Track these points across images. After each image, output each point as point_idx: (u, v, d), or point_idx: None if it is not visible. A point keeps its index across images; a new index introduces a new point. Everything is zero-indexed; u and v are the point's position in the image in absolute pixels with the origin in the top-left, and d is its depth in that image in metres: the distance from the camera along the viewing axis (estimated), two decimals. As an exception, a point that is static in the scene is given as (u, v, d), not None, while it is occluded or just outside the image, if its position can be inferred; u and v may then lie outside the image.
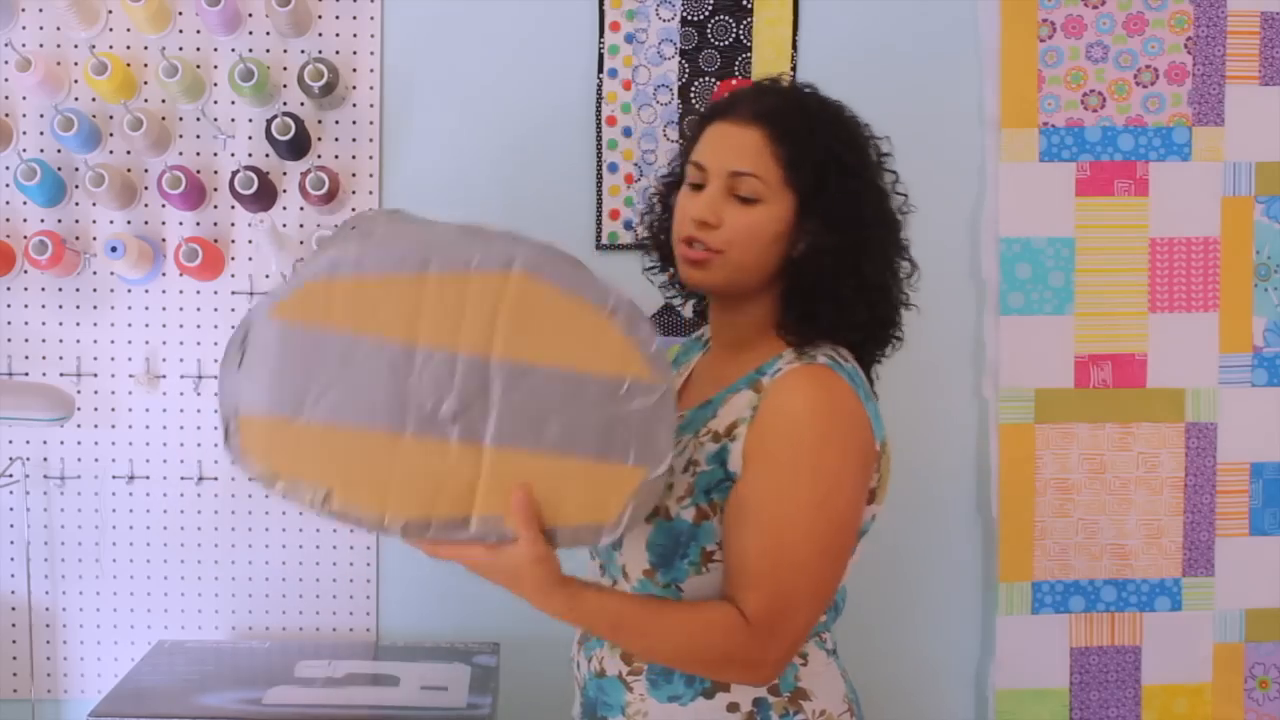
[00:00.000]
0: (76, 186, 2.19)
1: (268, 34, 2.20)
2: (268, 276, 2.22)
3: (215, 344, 2.23)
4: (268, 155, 2.20)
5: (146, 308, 2.22)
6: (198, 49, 2.20)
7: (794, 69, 2.26)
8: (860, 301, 1.49)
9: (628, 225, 2.26)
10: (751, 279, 1.49)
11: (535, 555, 1.35)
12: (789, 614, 1.41)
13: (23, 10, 2.18)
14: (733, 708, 1.48)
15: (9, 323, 2.22)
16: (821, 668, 1.53)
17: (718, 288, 1.51)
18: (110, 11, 2.18)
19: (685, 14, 2.26)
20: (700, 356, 1.67)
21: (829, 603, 1.47)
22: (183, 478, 2.24)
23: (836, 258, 1.46)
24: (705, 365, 1.63)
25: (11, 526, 2.23)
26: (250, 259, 2.22)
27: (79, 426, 2.23)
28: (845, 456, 1.43)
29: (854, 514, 1.45)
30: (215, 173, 2.21)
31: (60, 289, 2.22)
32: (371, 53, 2.22)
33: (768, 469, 1.41)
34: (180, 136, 2.21)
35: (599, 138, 2.27)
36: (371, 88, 2.23)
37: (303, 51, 2.20)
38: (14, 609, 2.25)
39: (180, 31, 2.20)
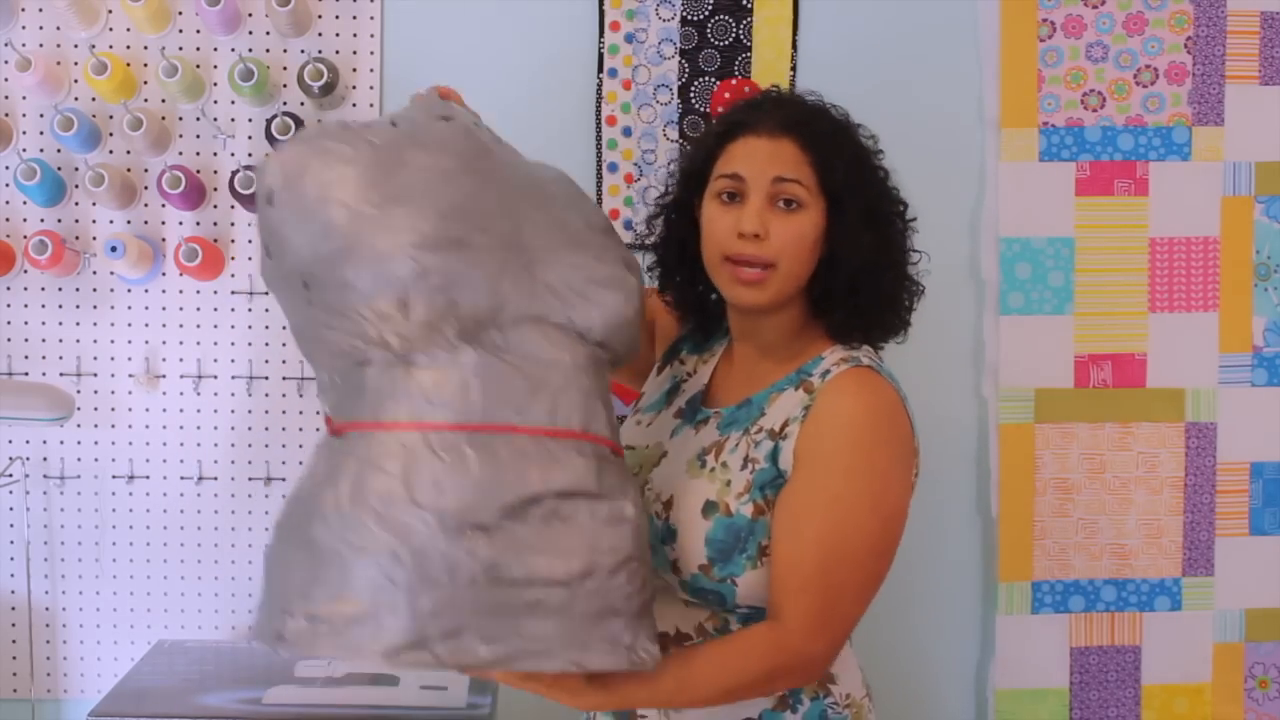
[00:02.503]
0: (76, 186, 2.19)
1: (268, 34, 2.20)
2: (268, 276, 2.22)
3: (215, 344, 2.23)
4: (267, 155, 2.20)
5: (146, 308, 2.22)
6: (198, 49, 2.20)
7: (794, 69, 2.26)
8: (899, 291, 1.57)
9: (628, 225, 2.26)
10: (795, 288, 1.53)
11: (549, 686, 1.39)
12: (839, 610, 1.46)
13: (23, 10, 2.18)
14: None
15: (9, 323, 2.22)
16: (845, 654, 1.58)
17: (769, 304, 1.53)
18: (110, 11, 2.18)
19: (685, 14, 2.26)
20: (721, 357, 1.67)
21: (873, 598, 1.52)
22: (183, 478, 2.24)
23: (875, 252, 1.52)
24: (732, 368, 1.63)
25: (11, 526, 2.23)
26: (250, 259, 2.22)
27: (79, 426, 2.23)
28: (894, 457, 1.48)
29: (903, 511, 1.50)
30: (215, 173, 2.21)
31: (60, 289, 2.22)
32: (371, 53, 2.22)
33: (825, 471, 1.44)
34: (180, 136, 2.21)
35: (599, 138, 2.27)
36: (371, 88, 2.23)
37: (303, 51, 2.20)
38: (14, 609, 2.25)
39: (180, 31, 2.20)
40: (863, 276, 1.52)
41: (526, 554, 1.29)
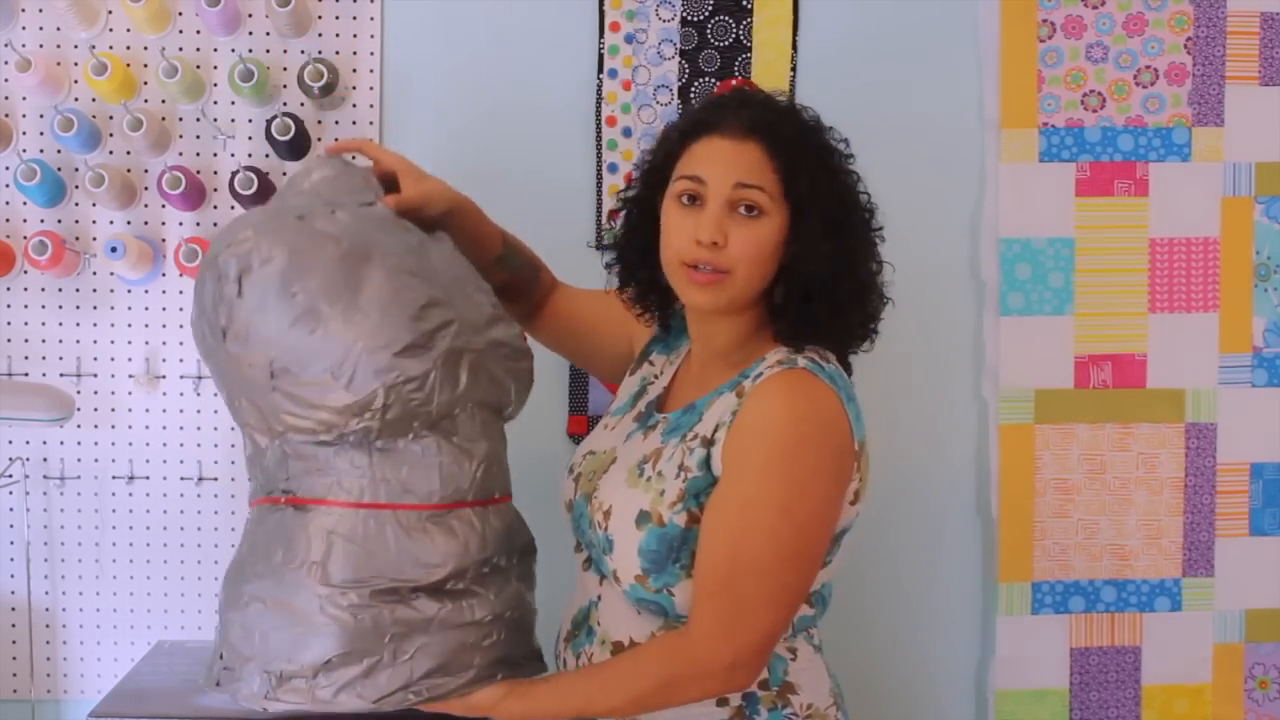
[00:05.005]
0: (76, 187, 2.19)
1: (268, 34, 2.20)
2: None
3: (215, 344, 2.23)
4: (268, 155, 2.20)
5: (146, 308, 2.22)
6: (198, 49, 2.20)
7: (794, 69, 2.26)
8: (855, 302, 1.51)
9: (628, 225, 2.26)
10: (752, 294, 1.51)
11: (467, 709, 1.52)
12: (745, 618, 1.42)
13: (23, 10, 2.18)
14: (722, 702, 1.49)
15: (9, 323, 2.22)
16: (808, 663, 1.55)
17: (723, 308, 1.51)
18: (110, 11, 2.18)
19: (685, 14, 2.26)
20: (684, 358, 1.67)
21: (794, 608, 1.48)
22: (183, 478, 2.24)
23: (833, 262, 1.48)
24: (688, 370, 1.63)
25: (11, 527, 2.23)
26: (250, 259, 2.22)
27: (79, 426, 2.23)
28: (819, 461, 1.44)
29: (823, 519, 1.46)
30: (215, 173, 2.21)
31: (60, 289, 2.22)
32: (371, 53, 2.22)
33: (740, 474, 1.43)
34: (180, 137, 2.21)
35: (599, 138, 2.27)
36: (371, 88, 2.23)
37: (303, 51, 2.20)
38: (14, 609, 2.25)
39: (180, 32, 2.20)
40: (818, 286, 1.48)
41: (475, 601, 1.53)
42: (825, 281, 1.48)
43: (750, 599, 1.41)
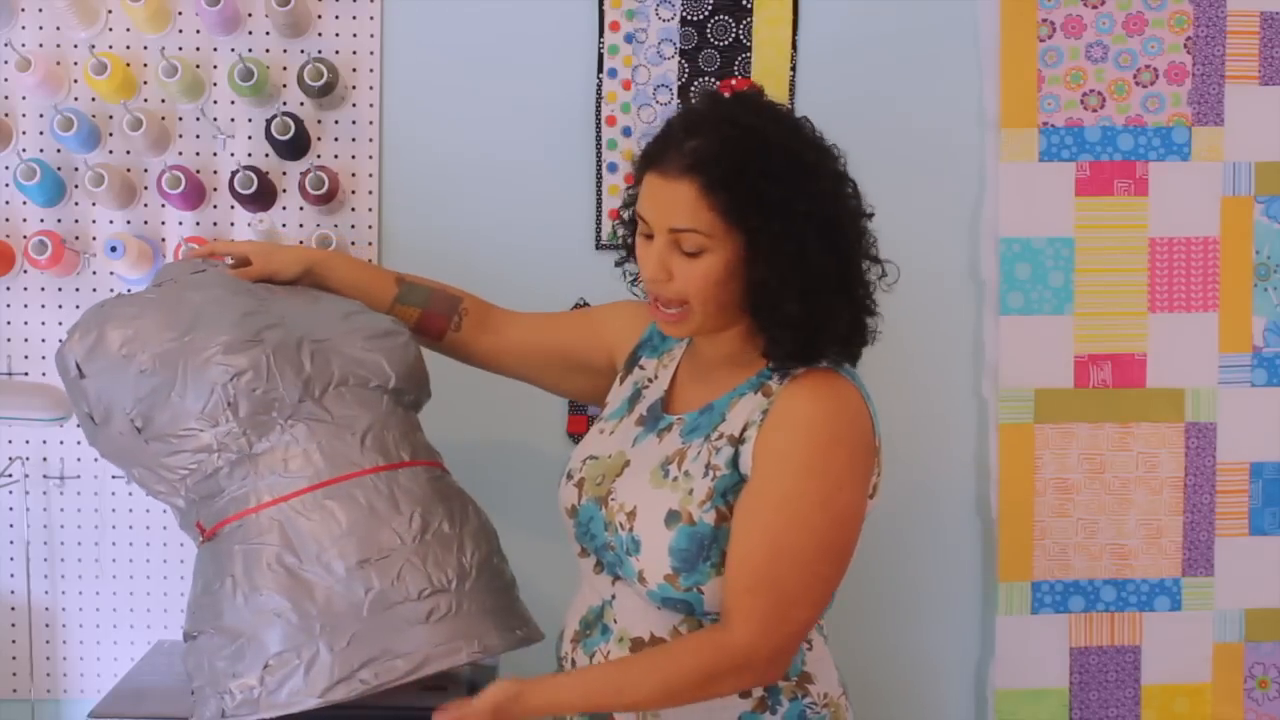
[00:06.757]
0: (76, 186, 2.19)
1: (268, 34, 2.20)
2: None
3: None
4: (267, 155, 2.20)
5: (146, 308, 2.22)
6: (197, 49, 2.20)
7: (794, 69, 2.26)
8: (836, 313, 1.49)
9: (627, 225, 2.26)
10: (723, 315, 1.52)
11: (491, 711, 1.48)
12: (786, 610, 1.44)
13: (23, 10, 2.18)
14: (745, 693, 1.51)
15: (9, 323, 2.22)
16: (821, 653, 1.58)
17: (697, 333, 1.56)
18: (110, 11, 2.18)
19: (685, 14, 2.26)
20: (682, 359, 1.67)
21: (828, 601, 1.52)
22: (183, 478, 2.24)
23: (781, 289, 1.46)
24: (694, 371, 1.63)
25: (11, 526, 2.23)
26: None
27: (79, 426, 2.22)
28: (853, 458, 1.48)
29: (857, 512, 1.49)
30: (215, 173, 2.21)
31: (60, 289, 2.22)
32: (371, 53, 2.22)
33: (777, 472, 1.45)
34: (180, 136, 2.21)
35: (599, 138, 2.27)
36: (371, 88, 2.23)
37: (303, 51, 2.19)
38: (14, 609, 2.25)
39: (180, 31, 2.20)
40: (774, 311, 1.47)
41: (408, 573, 1.52)
42: (778, 309, 1.46)
43: (791, 592, 1.44)
